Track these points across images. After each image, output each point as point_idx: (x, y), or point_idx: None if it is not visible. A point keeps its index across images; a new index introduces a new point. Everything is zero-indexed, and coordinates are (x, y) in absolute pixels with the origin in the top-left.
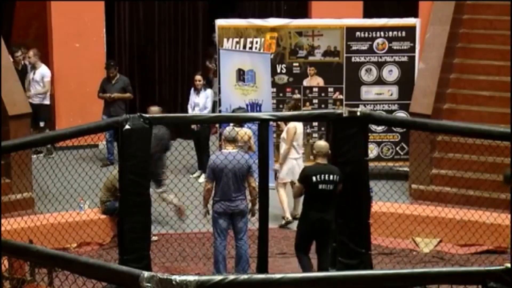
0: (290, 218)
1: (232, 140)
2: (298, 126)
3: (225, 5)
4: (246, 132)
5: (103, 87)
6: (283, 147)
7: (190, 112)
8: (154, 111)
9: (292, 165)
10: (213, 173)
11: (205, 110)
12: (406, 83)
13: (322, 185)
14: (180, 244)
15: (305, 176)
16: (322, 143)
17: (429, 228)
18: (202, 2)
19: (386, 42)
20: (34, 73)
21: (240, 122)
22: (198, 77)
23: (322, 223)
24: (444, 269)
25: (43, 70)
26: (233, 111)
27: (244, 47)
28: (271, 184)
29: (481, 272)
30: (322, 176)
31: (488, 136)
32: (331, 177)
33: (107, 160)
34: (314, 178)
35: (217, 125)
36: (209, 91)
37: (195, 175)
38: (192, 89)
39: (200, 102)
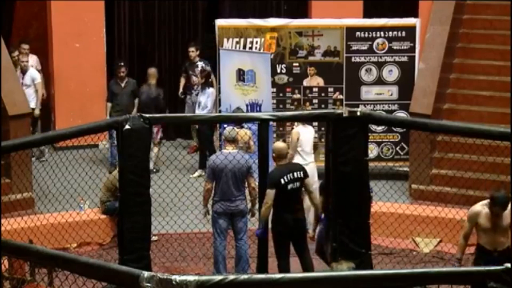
0: None
1: (232, 140)
2: (302, 131)
3: (218, 5)
4: (246, 132)
5: (112, 91)
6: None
7: (196, 110)
8: (152, 71)
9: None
10: (213, 173)
11: (205, 110)
12: (406, 83)
13: (290, 185)
14: (180, 244)
15: (275, 180)
16: (280, 145)
17: (429, 228)
18: (202, 2)
19: (386, 42)
20: (23, 78)
21: (240, 122)
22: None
23: (296, 223)
24: (444, 269)
25: (32, 73)
26: (233, 112)
27: (244, 47)
28: None
29: (481, 272)
30: (289, 176)
31: (488, 136)
32: (296, 174)
33: (110, 165)
34: (282, 180)
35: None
36: (210, 90)
37: (195, 175)
38: (199, 88)
39: (202, 101)
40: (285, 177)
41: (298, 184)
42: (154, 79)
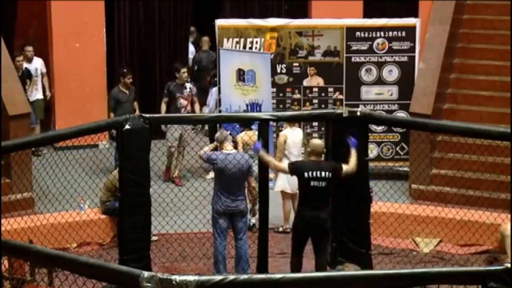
0: (287, 227)
1: (222, 141)
2: (290, 134)
3: (213, 5)
4: (251, 136)
5: (118, 100)
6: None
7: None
8: (205, 39)
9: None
10: (214, 172)
11: (208, 108)
12: (406, 83)
13: (314, 182)
14: (180, 244)
15: (296, 168)
16: (317, 142)
17: (429, 228)
18: (195, 1)
19: (386, 42)
20: None
21: (240, 122)
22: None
23: (316, 221)
24: (444, 269)
25: None
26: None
27: (244, 47)
28: (271, 185)
29: (481, 272)
30: (314, 173)
31: (488, 136)
32: (323, 174)
33: (115, 167)
34: (306, 174)
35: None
36: (214, 89)
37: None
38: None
39: (208, 100)
40: (310, 173)
41: (323, 183)
42: (207, 45)
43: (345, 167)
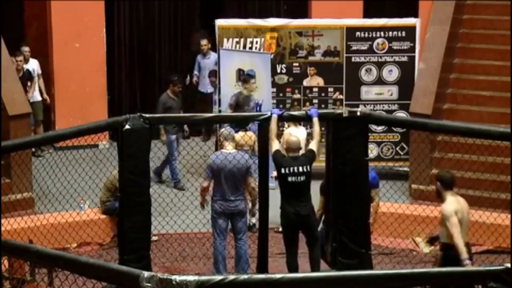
0: None
1: (224, 140)
2: (294, 132)
3: (218, 5)
4: (250, 136)
5: (168, 106)
6: None
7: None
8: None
9: None
10: (212, 173)
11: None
12: (406, 83)
13: (291, 178)
14: (180, 244)
15: (276, 158)
16: (292, 139)
17: (429, 228)
18: (200, 1)
19: (386, 42)
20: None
21: (239, 122)
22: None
23: (298, 217)
24: (444, 269)
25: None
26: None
27: (244, 47)
28: (271, 185)
29: (481, 272)
30: (291, 168)
31: (488, 136)
32: (300, 168)
33: (173, 181)
34: (283, 170)
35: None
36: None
37: None
38: None
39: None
40: (287, 169)
41: (302, 178)
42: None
43: (314, 147)
